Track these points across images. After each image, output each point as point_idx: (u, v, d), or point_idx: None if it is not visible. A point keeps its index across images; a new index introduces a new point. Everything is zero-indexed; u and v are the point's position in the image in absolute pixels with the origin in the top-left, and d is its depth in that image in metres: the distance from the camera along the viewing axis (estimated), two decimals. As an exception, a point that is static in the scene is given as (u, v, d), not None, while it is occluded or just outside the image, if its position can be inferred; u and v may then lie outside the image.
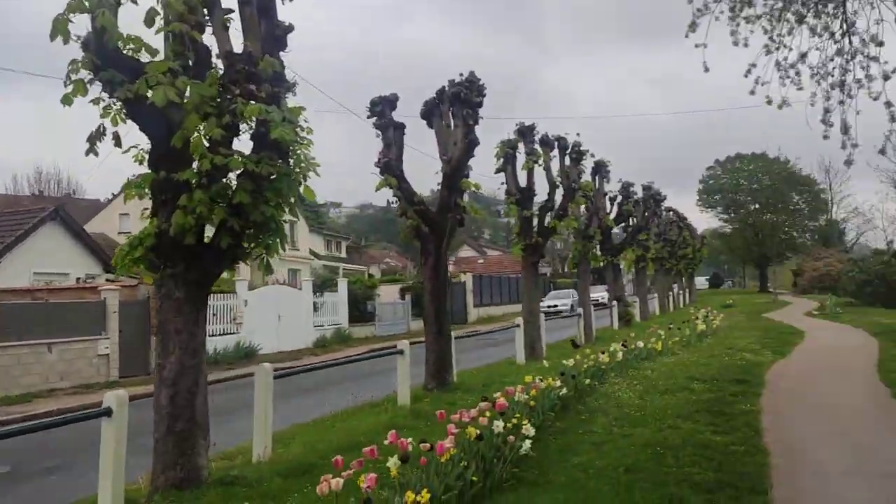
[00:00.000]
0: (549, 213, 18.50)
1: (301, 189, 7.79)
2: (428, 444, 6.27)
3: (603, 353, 13.67)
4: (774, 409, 10.16)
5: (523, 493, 6.52)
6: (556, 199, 18.84)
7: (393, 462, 5.95)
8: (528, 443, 7.18)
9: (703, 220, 79.73)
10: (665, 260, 39.64)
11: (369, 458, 5.97)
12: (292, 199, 7.74)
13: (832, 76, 7.56)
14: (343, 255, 57.30)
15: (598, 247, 27.69)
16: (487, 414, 7.86)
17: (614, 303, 27.83)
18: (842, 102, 7.62)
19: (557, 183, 18.85)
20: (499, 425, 7.18)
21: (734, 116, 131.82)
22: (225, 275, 25.84)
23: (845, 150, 7.88)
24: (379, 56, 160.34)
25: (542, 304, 46.17)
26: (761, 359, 15.82)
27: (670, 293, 43.30)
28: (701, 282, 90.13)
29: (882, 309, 34.90)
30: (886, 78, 7.24)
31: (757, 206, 65.75)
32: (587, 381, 11.51)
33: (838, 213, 72.79)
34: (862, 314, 31.22)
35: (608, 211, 28.48)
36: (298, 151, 7.63)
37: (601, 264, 27.57)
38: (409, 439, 6.54)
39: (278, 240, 7.69)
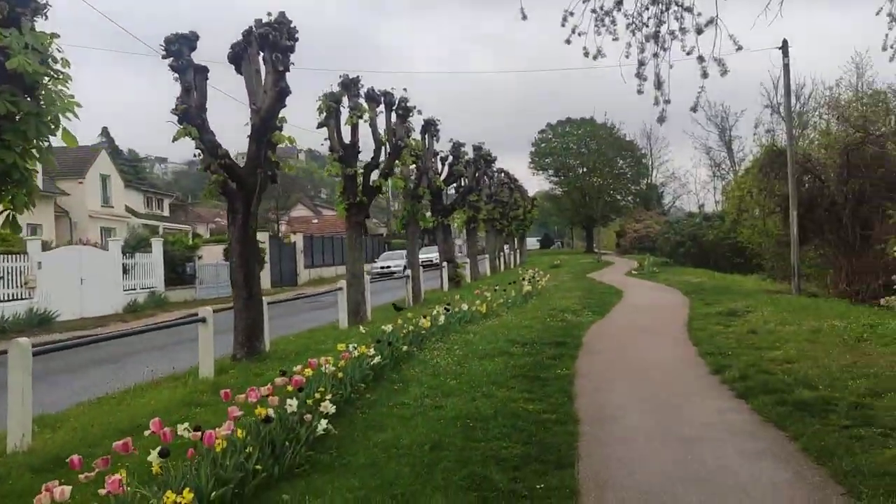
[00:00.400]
0: (374, 172, 17.72)
1: (59, 133, 6.55)
2: (199, 433, 5.37)
3: (425, 317, 13.21)
4: (589, 372, 10.07)
5: (316, 480, 5.80)
6: (383, 157, 18.07)
7: (154, 456, 5.03)
8: (324, 422, 6.46)
9: (535, 183, 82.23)
10: (496, 221, 40.14)
11: (121, 452, 5.00)
12: (44, 144, 6.48)
13: (647, 27, 7.27)
14: (166, 213, 53.69)
15: (428, 207, 27.37)
16: (289, 388, 7.09)
17: (444, 264, 27.66)
18: (656, 55, 7.37)
19: (383, 140, 18.07)
20: (292, 404, 6.40)
21: (567, 81, 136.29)
22: (24, 234, 23.18)
23: (658, 106, 7.67)
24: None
25: (375, 265, 45.96)
26: (581, 319, 16.02)
27: (501, 254, 44.06)
28: (532, 242, 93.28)
29: (693, 268, 37.34)
30: (700, 31, 7.03)
31: (585, 169, 68.49)
32: (405, 347, 10.95)
33: (657, 178, 77.67)
34: (675, 273, 33.17)
35: (438, 171, 28.13)
36: (50, 87, 6.35)
37: (431, 225, 27.24)
38: (185, 425, 5.63)
39: (25, 192, 6.38)
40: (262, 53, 11.62)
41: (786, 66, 20.57)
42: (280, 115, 11.95)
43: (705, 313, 16.36)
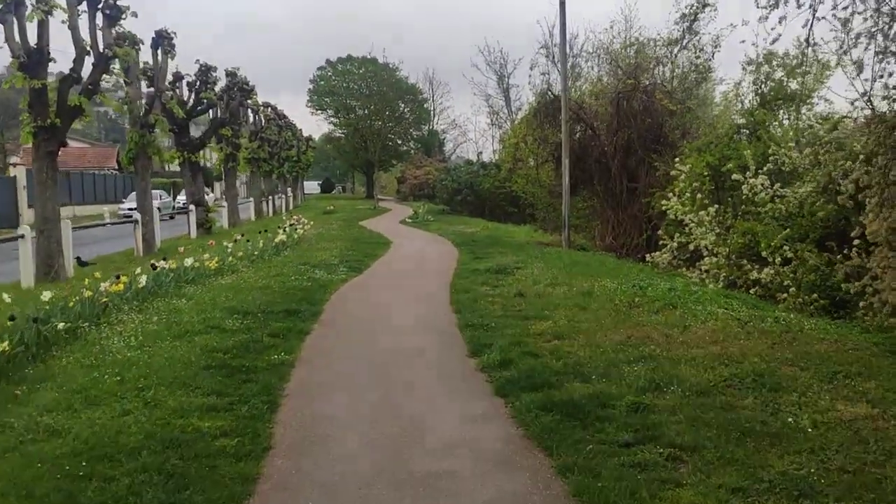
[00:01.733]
0: (74, 87, 13.92)
1: None
2: None
3: (119, 277, 10.14)
4: (316, 357, 7.69)
5: None
6: (87, 70, 14.27)
7: None
8: None
9: (315, 125, 78.29)
10: (264, 161, 36.46)
11: None
12: None
13: None
14: None
15: (171, 140, 23.56)
16: None
17: (192, 207, 24.02)
18: None
19: (87, 48, 14.21)
20: None
21: (345, 18, 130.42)
22: None
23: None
24: None
25: (122, 205, 40.48)
26: (333, 277, 13.65)
27: (270, 197, 40.38)
28: (313, 186, 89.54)
29: (469, 217, 36.48)
30: None
31: (366, 111, 65.70)
32: (61, 325, 7.86)
33: (439, 124, 76.91)
34: (450, 222, 31.93)
35: (185, 99, 24.21)
36: None
37: (177, 161, 23.47)
38: None
39: None
40: None
41: (562, 3, 19.20)
42: None
43: (473, 269, 14.67)
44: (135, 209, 35.73)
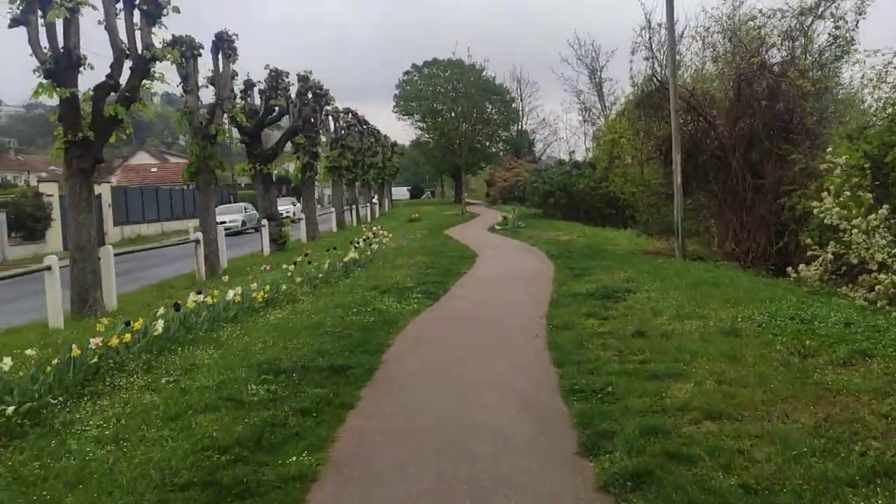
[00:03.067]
0: (112, 95, 12.19)
1: None
2: None
3: (129, 323, 8.12)
4: (349, 458, 5.26)
5: None
6: (125, 75, 12.49)
7: None
8: None
9: (402, 130, 76.82)
10: (346, 170, 34.76)
11: None
12: None
13: None
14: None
15: (245, 151, 21.99)
16: None
17: (265, 222, 22.32)
18: None
19: (126, 50, 12.44)
20: None
21: (425, 23, 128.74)
22: None
23: None
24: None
25: (206, 220, 39.66)
26: (404, 307, 11.32)
27: (354, 206, 38.60)
28: (402, 192, 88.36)
29: (563, 221, 33.75)
30: None
31: (453, 114, 63.63)
32: (14, 408, 5.78)
33: (528, 124, 74.04)
34: (543, 228, 29.34)
35: (258, 108, 22.56)
36: None
37: (248, 173, 21.87)
38: None
39: None
40: None
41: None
42: None
43: (573, 293, 12.05)
44: (223, 222, 34.83)
